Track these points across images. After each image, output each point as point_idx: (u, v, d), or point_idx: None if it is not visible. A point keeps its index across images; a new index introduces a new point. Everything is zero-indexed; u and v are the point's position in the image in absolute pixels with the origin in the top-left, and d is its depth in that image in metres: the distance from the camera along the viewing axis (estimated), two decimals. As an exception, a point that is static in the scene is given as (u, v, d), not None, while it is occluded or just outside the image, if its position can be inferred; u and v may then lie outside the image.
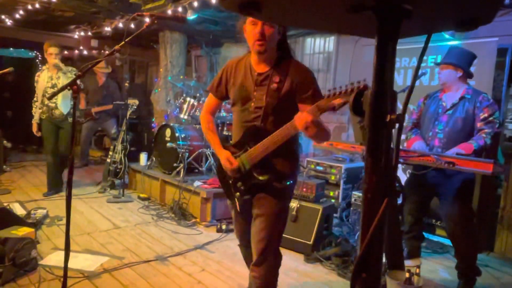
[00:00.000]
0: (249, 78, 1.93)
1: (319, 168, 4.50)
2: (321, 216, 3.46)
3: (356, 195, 4.08)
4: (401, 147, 3.88)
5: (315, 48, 5.88)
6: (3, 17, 6.04)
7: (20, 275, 2.70)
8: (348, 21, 0.78)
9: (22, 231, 2.84)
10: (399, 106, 3.61)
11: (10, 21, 6.19)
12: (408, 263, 3.01)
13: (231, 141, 2.09)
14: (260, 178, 1.90)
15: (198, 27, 5.52)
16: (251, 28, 1.82)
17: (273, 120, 1.88)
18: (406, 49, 4.34)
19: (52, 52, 4.40)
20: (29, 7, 5.07)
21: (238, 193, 2.02)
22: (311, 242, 3.40)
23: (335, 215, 4.09)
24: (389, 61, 0.72)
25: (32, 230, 2.94)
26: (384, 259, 2.88)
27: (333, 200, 4.22)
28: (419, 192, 3.01)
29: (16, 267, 2.66)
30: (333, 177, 4.39)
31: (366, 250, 0.68)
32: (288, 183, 1.97)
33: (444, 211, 2.89)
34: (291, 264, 3.24)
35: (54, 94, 2.07)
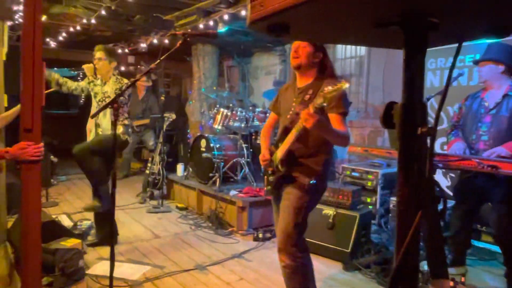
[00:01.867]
0: (292, 93, 2.31)
1: (355, 174, 4.44)
2: (358, 223, 3.40)
3: (395, 201, 3.97)
4: (441, 150, 3.76)
5: (347, 53, 5.83)
6: (47, 39, 6.44)
7: (69, 284, 2.84)
8: (376, 35, 0.79)
9: (70, 242, 2.99)
10: (435, 105, 3.51)
11: (54, 43, 6.59)
12: (452, 271, 2.90)
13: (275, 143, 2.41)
14: (280, 168, 2.19)
15: (229, 38, 5.64)
16: (292, 44, 2.19)
17: None
18: (442, 49, 4.22)
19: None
20: (71, 29, 5.38)
21: (269, 186, 2.34)
22: (349, 250, 3.35)
23: (373, 221, 4.01)
24: (418, 73, 0.73)
25: (79, 241, 3.09)
26: (426, 268, 2.79)
27: (370, 207, 4.14)
28: (467, 197, 2.90)
29: (65, 276, 2.80)
30: (369, 183, 4.31)
31: (401, 262, 0.69)
32: (311, 182, 2.17)
33: (493, 216, 2.77)
34: (330, 272, 3.20)
35: (97, 112, 2.18)
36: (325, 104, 1.79)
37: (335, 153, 5.15)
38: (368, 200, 4.28)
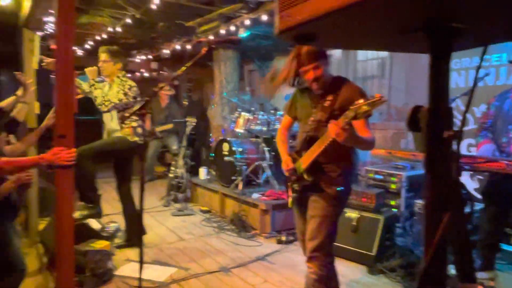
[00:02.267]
0: (309, 98, 2.29)
1: (378, 176, 4.39)
2: (383, 226, 3.38)
3: (420, 204, 3.92)
4: (468, 152, 3.69)
5: (368, 55, 5.79)
6: (74, 48, 6.66)
7: (99, 284, 2.94)
8: (400, 41, 0.81)
9: (100, 244, 3.09)
10: (460, 106, 3.42)
11: (81, 51, 6.81)
12: (481, 275, 2.83)
13: (295, 149, 2.39)
14: (306, 178, 2.17)
15: (250, 43, 5.69)
16: (303, 72, 2.14)
17: (325, 131, 2.04)
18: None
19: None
20: (97, 37, 5.56)
21: (294, 194, 2.32)
22: (373, 253, 3.32)
23: (397, 224, 3.96)
24: (443, 78, 0.74)
25: (108, 243, 3.19)
26: (454, 272, 2.73)
27: (395, 210, 4.09)
28: (496, 199, 2.83)
29: (95, 277, 2.90)
30: (393, 186, 4.25)
31: (429, 266, 0.70)
32: (338, 189, 2.16)
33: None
34: (354, 275, 3.19)
35: (127, 117, 2.25)
36: (358, 118, 1.75)
37: (358, 156, 5.11)
38: (392, 203, 4.22)
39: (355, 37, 0.79)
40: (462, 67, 4.32)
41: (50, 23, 4.17)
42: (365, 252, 3.36)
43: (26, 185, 2.50)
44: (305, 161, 2.18)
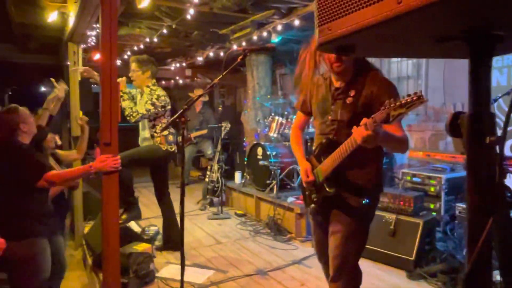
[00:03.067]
0: (328, 93, 1.98)
1: (416, 179, 4.29)
2: (422, 230, 3.30)
3: (461, 207, 3.79)
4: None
5: (403, 55, 5.67)
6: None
7: (141, 285, 3.05)
8: (438, 47, 0.82)
9: (142, 247, 3.22)
10: (503, 106, 3.29)
11: (120, 61, 7.10)
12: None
13: (313, 153, 2.11)
14: (328, 189, 1.91)
15: (282, 47, 5.73)
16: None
17: (348, 133, 1.74)
18: (508, 46, 3.98)
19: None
20: (135, 48, 5.79)
21: (312, 205, 2.04)
22: (413, 258, 3.25)
23: (437, 228, 3.85)
24: (484, 83, 0.75)
25: (150, 245, 3.32)
26: (499, 278, 2.63)
27: (434, 213, 3.98)
28: None
29: (138, 278, 3.02)
30: (432, 189, 4.14)
31: (472, 271, 0.71)
32: (364, 201, 1.91)
33: None
34: (393, 280, 3.14)
35: (166, 127, 2.34)
36: (390, 121, 1.48)
37: (393, 158, 5.02)
38: (432, 206, 4.12)
39: (393, 46, 0.81)
40: (504, 65, 4.16)
41: (92, 36, 4.39)
42: (404, 256, 3.30)
43: (74, 187, 2.66)
44: (325, 169, 1.91)
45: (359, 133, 1.58)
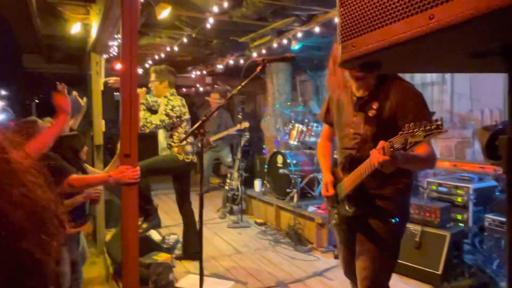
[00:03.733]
0: (349, 103, 1.88)
1: (442, 189, 4.14)
2: (449, 243, 3.18)
3: (490, 218, 3.63)
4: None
5: (427, 60, 5.53)
6: (135, 67, 7.06)
7: (161, 296, 3.04)
8: (472, 63, 0.76)
9: (161, 257, 3.22)
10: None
11: (141, 69, 7.21)
12: None
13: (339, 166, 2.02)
14: (347, 208, 1.82)
15: (302, 54, 5.69)
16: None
17: (372, 148, 1.62)
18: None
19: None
20: (156, 57, 5.86)
21: (333, 221, 1.97)
22: (439, 272, 3.13)
23: (465, 241, 3.70)
24: (525, 102, 0.69)
25: (169, 256, 3.31)
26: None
27: (461, 225, 3.83)
28: None
29: (158, 289, 3.01)
30: (459, 199, 3.99)
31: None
32: (393, 220, 1.80)
33: None
34: (419, 295, 3.02)
35: (185, 138, 2.33)
36: (407, 149, 1.41)
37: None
38: (459, 217, 3.96)
39: (422, 63, 0.76)
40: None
41: (114, 46, 4.46)
42: (430, 270, 3.18)
43: (95, 201, 2.67)
44: (347, 186, 1.82)
45: (376, 157, 1.52)
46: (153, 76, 3.71)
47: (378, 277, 1.84)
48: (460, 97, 5.06)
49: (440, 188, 4.16)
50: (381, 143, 1.51)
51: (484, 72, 0.81)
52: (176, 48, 5.13)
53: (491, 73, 0.78)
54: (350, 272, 2.05)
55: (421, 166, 1.77)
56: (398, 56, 0.70)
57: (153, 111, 3.75)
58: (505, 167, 0.66)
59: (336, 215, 1.93)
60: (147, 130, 3.58)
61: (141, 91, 3.67)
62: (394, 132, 1.51)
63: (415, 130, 1.35)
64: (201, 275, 2.30)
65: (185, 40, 4.73)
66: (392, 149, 1.46)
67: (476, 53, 0.67)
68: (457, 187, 4.03)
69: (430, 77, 5.44)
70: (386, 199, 1.80)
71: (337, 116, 1.96)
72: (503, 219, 3.53)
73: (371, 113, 1.76)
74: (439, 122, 1.29)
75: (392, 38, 0.62)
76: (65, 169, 2.30)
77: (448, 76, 5.23)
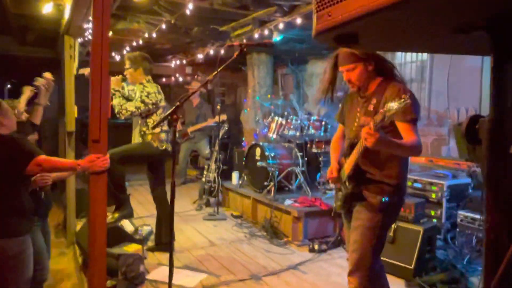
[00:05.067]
0: (356, 103, 2.19)
1: (417, 185, 4.18)
2: (422, 238, 3.19)
3: (463, 215, 3.69)
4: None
5: (407, 57, 5.56)
6: (113, 54, 6.85)
7: (131, 288, 2.95)
8: (455, 41, 0.72)
9: (132, 248, 3.12)
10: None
11: (118, 56, 6.99)
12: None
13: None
14: (347, 185, 2.09)
15: (284, 47, 5.63)
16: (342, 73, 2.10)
17: None
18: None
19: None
20: (134, 43, 5.68)
21: (338, 202, 2.21)
22: (412, 267, 3.15)
23: (438, 236, 3.75)
24: (509, 82, 0.64)
25: (140, 247, 3.22)
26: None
27: (435, 221, 3.88)
28: None
29: (127, 280, 2.92)
30: (433, 195, 4.04)
31: (492, 299, 0.60)
32: (383, 199, 2.01)
33: None
34: (391, 289, 3.03)
35: (157, 124, 2.24)
36: (385, 120, 1.68)
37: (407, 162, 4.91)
38: (433, 213, 4.01)
39: (403, 38, 0.71)
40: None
41: (89, 29, 4.29)
42: (403, 265, 3.19)
43: (42, 188, 2.55)
44: (347, 167, 2.09)
45: (363, 133, 1.77)
46: (127, 64, 3.61)
47: (365, 251, 2.02)
48: (437, 95, 5.12)
49: (415, 184, 4.20)
50: (363, 119, 1.85)
51: (468, 53, 0.77)
52: (154, 35, 4.98)
53: (475, 54, 0.74)
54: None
55: (406, 151, 1.97)
56: (376, 28, 0.65)
57: (130, 100, 3.62)
58: (484, 149, 0.62)
59: (340, 196, 2.18)
60: (122, 117, 3.48)
61: (116, 78, 3.56)
62: (389, 124, 1.84)
63: (390, 105, 1.63)
64: (171, 266, 2.23)
65: (164, 26, 4.59)
66: (374, 124, 1.71)
67: (459, 27, 0.62)
68: (431, 184, 4.07)
69: (409, 74, 5.48)
70: (379, 180, 2.03)
71: (347, 115, 2.26)
72: (475, 216, 3.59)
73: (370, 107, 2.06)
74: (406, 96, 1.60)
75: (370, 4, 0.56)
76: (31, 150, 2.19)
77: (427, 74, 5.28)
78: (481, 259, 3.44)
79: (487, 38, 0.64)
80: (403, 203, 2.18)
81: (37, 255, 2.38)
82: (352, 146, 2.06)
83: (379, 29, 0.63)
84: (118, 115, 3.45)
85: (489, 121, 0.62)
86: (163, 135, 3.60)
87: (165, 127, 3.63)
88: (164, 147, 3.59)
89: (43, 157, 2.19)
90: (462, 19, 0.59)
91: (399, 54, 5.65)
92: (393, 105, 1.61)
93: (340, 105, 2.39)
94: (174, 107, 2.09)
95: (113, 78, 3.49)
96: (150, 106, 3.50)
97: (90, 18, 3.64)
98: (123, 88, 3.64)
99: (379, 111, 1.72)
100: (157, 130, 3.52)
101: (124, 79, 3.68)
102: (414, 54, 5.46)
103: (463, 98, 4.61)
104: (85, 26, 3.94)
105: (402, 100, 1.59)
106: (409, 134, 1.90)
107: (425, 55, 5.29)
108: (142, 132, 3.58)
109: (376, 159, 1.96)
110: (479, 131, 0.65)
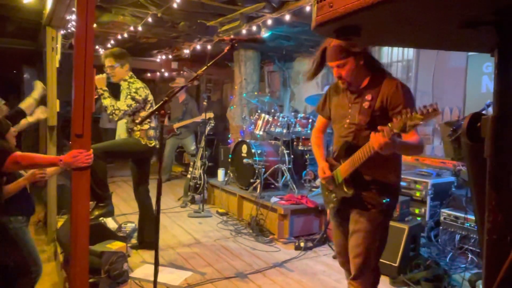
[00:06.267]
0: (345, 97, 2.05)
1: (402, 183, 4.22)
2: (407, 236, 3.22)
3: (446, 213, 3.75)
4: None
5: (393, 57, 5.61)
6: (97, 47, 6.70)
7: (114, 286, 2.88)
8: (460, 37, 0.70)
9: (115, 245, 3.05)
10: None
11: (103, 50, 6.85)
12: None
13: (332, 155, 2.18)
14: (346, 190, 1.96)
15: (271, 43, 5.60)
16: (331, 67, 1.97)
17: (366, 136, 1.87)
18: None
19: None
20: (119, 37, 5.56)
21: (331, 204, 2.12)
22: (397, 264, 3.17)
23: (422, 234, 3.79)
24: (512, 80, 0.63)
25: (124, 244, 3.14)
26: None
27: (419, 219, 3.92)
28: None
29: (110, 279, 2.85)
30: (418, 193, 4.08)
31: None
32: (384, 201, 1.95)
33: None
34: (376, 287, 3.05)
35: (144, 119, 2.19)
36: (406, 131, 1.56)
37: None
38: (417, 211, 4.06)
39: (405, 32, 0.69)
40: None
41: (72, 21, 4.17)
42: (388, 262, 3.22)
43: (40, 183, 2.48)
44: (344, 171, 1.97)
45: (376, 139, 1.66)
46: (112, 61, 3.43)
47: (369, 253, 1.96)
48: (422, 95, 5.17)
49: (400, 183, 4.23)
50: (381, 127, 1.65)
51: (472, 50, 0.75)
52: (140, 28, 4.88)
53: (479, 52, 0.72)
54: (343, 256, 2.16)
55: (414, 151, 1.96)
56: (381, 22, 0.62)
57: (113, 96, 3.50)
58: (487, 148, 0.60)
59: (334, 199, 2.08)
60: (116, 118, 3.38)
61: (102, 77, 3.39)
62: (385, 120, 1.73)
63: (413, 114, 1.51)
64: (156, 264, 2.18)
65: (150, 19, 4.50)
66: (392, 132, 1.61)
67: (466, 21, 0.60)
68: (416, 182, 4.12)
69: (395, 74, 5.52)
70: (379, 182, 1.95)
71: (335, 109, 2.12)
72: (458, 214, 3.64)
73: (365, 104, 1.94)
74: (435, 106, 1.46)
75: (377, -6, 0.53)
76: (4, 147, 2.10)
77: (412, 73, 5.33)
78: (463, 257, 3.50)
79: (493, 33, 0.62)
80: (398, 202, 2.16)
81: (31, 255, 2.32)
82: (348, 148, 1.96)
83: (383, 22, 0.61)
84: (111, 116, 3.35)
85: (492, 119, 0.61)
86: (151, 132, 3.52)
87: (153, 124, 3.56)
88: (152, 145, 3.52)
89: (18, 153, 2.12)
90: (469, 13, 0.58)
91: (385, 53, 5.69)
92: (419, 115, 1.50)
93: (322, 97, 2.25)
94: (162, 102, 2.04)
95: (98, 77, 3.35)
96: (141, 103, 3.42)
97: (74, 9, 3.54)
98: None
99: (397, 118, 1.58)
100: (146, 126, 3.44)
101: (108, 78, 3.55)
102: (400, 53, 5.51)
103: (447, 98, 4.67)
104: (68, 17, 3.82)
105: (431, 111, 1.47)
106: (412, 132, 1.78)
107: (411, 54, 5.34)
108: (130, 129, 3.50)
109: (376, 160, 1.82)
110: (480, 129, 0.64)
